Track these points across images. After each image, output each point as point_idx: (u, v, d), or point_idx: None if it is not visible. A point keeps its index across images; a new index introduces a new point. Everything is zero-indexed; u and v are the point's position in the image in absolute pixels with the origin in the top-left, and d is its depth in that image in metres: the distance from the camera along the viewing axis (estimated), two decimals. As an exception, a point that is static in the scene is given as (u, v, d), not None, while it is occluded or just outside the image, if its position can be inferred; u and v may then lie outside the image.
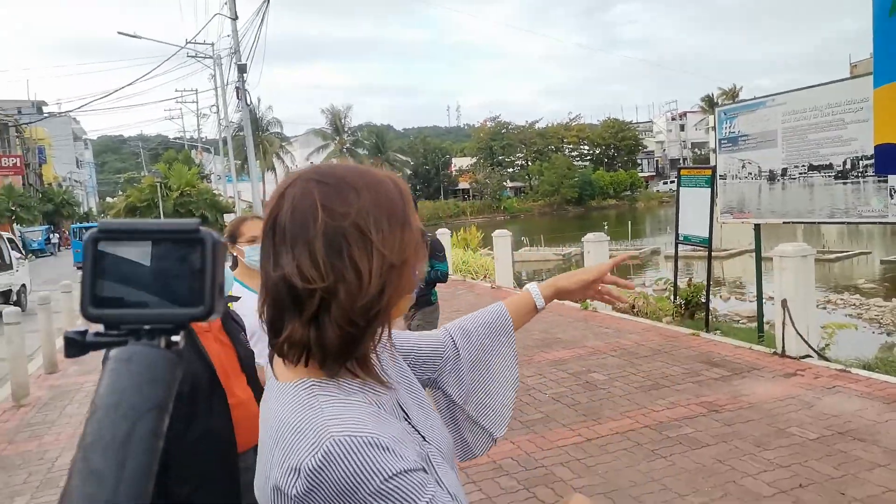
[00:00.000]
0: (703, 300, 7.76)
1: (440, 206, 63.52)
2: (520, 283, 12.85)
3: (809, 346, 5.75)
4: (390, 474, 0.71)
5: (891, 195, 5.36)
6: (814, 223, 6.17)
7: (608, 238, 9.77)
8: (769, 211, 6.56)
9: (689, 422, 4.53)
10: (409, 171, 71.14)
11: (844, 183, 5.75)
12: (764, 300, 7.07)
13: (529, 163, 74.31)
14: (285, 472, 0.73)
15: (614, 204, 66.68)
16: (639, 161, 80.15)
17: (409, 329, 4.52)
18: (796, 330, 5.73)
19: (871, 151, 5.48)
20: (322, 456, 0.71)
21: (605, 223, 41.21)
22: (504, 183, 70.51)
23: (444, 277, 4.70)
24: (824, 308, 11.87)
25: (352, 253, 0.78)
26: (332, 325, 0.77)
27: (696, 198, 7.49)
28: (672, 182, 76.14)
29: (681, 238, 7.90)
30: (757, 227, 6.86)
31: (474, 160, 72.38)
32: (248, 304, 2.17)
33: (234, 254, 2.84)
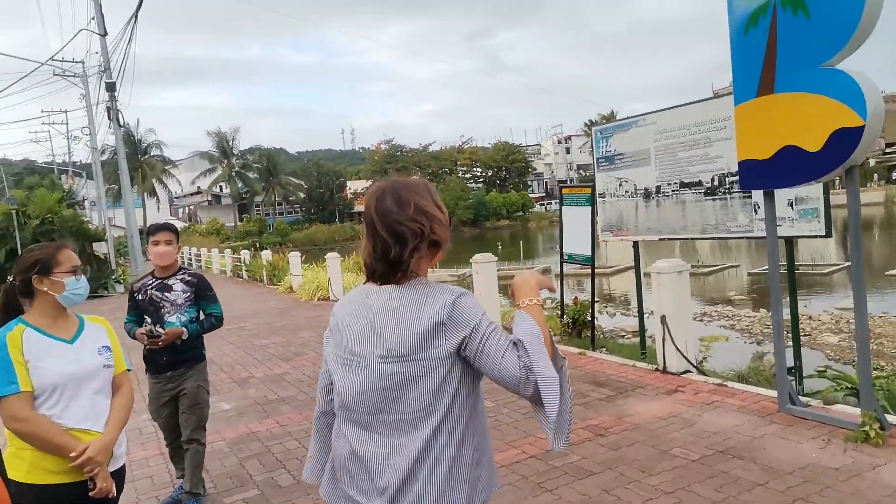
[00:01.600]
0: (589, 318, 7.78)
1: (336, 230, 62.39)
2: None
3: (689, 361, 5.81)
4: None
5: (755, 210, 5.53)
6: (687, 239, 6.30)
7: (496, 259, 9.73)
8: (646, 228, 6.66)
9: (576, 448, 4.35)
10: (302, 195, 69.54)
11: (713, 199, 5.91)
12: (646, 315, 7.17)
13: (424, 185, 74.63)
14: (441, 306, 1.50)
15: (508, 224, 68.32)
16: (529, 182, 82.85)
17: (183, 394, 3.85)
18: (676, 346, 5.77)
19: (736, 168, 5.66)
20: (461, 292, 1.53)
21: (500, 243, 42.04)
22: (400, 205, 70.28)
23: (219, 322, 3.96)
24: (701, 320, 12.43)
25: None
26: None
27: (578, 216, 7.53)
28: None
29: (565, 257, 7.91)
30: (636, 245, 6.95)
31: (369, 183, 71.95)
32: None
33: (44, 288, 2.28)
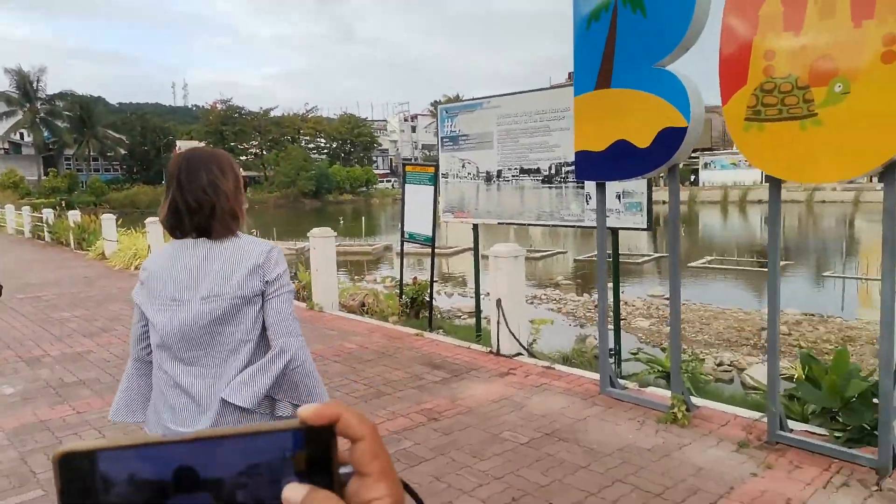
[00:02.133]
0: (428, 298, 7.76)
1: (161, 192, 57.13)
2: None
3: (521, 344, 5.97)
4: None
5: (587, 200, 5.77)
6: (523, 224, 6.46)
7: (335, 234, 9.35)
8: (486, 211, 6.72)
9: (409, 433, 4.25)
10: (123, 152, 63.20)
11: (550, 187, 6.08)
12: (483, 297, 7.29)
13: (264, 152, 71.51)
14: (259, 252, 1.80)
15: (350, 199, 67.39)
16: (374, 158, 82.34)
17: None
18: (509, 329, 5.89)
19: (572, 158, 5.85)
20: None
21: (342, 218, 41.34)
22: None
23: None
24: (531, 303, 13.06)
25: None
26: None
27: (421, 195, 7.43)
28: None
29: (406, 235, 7.80)
30: (475, 227, 7.01)
31: (202, 144, 67.07)
32: None
33: None
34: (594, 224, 5.74)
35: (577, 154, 4.68)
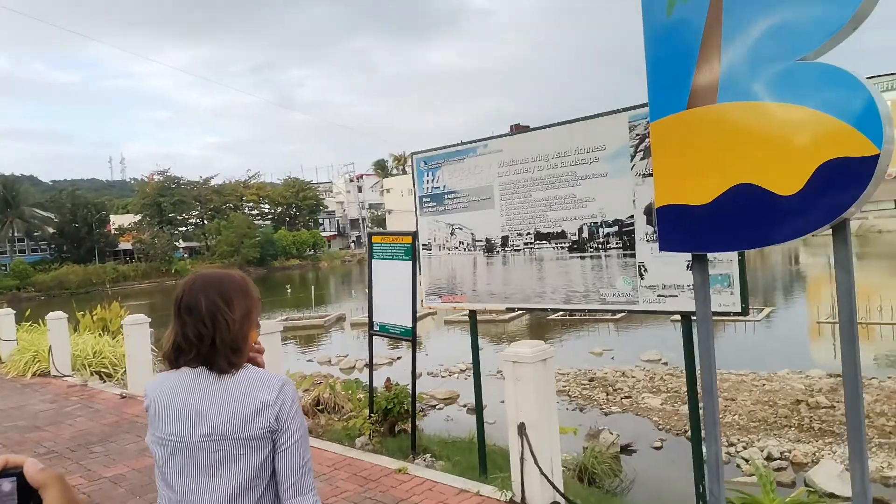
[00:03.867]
0: (408, 410, 5.84)
1: (94, 271, 53.81)
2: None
3: (556, 488, 4.09)
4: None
5: (640, 274, 4.06)
6: (546, 310, 4.67)
7: (149, 319, 8.54)
8: (488, 293, 4.93)
9: None
10: (51, 230, 59.23)
11: (582, 257, 4.36)
12: (484, 406, 5.43)
13: (206, 221, 68.67)
14: (269, 388, 1.60)
15: (298, 264, 64.94)
16: (321, 221, 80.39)
17: None
18: (539, 467, 4.03)
19: (614, 215, 4.16)
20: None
21: (289, 286, 38.89)
22: (176, 243, 63.48)
23: None
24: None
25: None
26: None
27: (395, 274, 5.60)
28: (355, 242, 77.79)
29: (376, 328, 5.91)
30: (472, 315, 5.20)
31: (139, 218, 63.89)
32: None
33: None
34: (653, 307, 4.03)
35: (661, 212, 2.97)
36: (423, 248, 5.36)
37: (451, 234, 5.12)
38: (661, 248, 3.02)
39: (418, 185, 5.35)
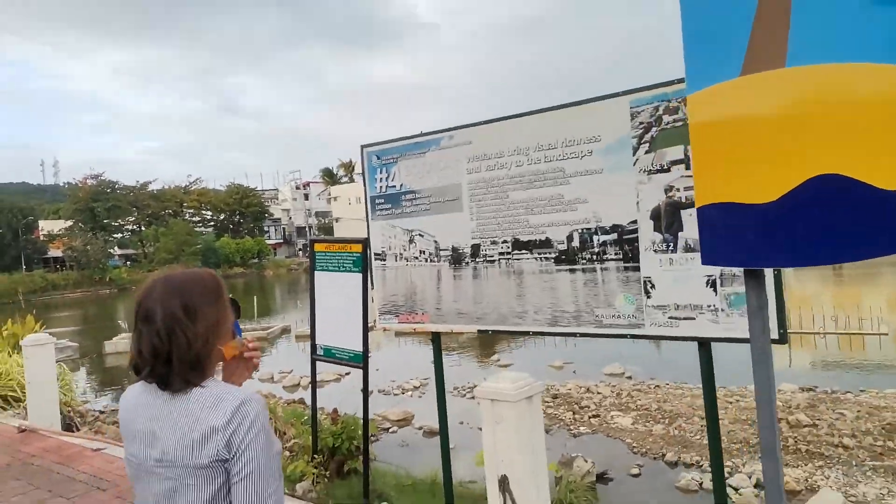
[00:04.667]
0: (358, 446, 4.95)
1: (20, 280, 50.52)
2: (70, 423, 8.31)
3: (548, 556, 3.29)
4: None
5: (646, 291, 3.32)
6: (527, 334, 3.87)
7: (54, 339, 7.63)
8: (455, 312, 4.11)
9: None
10: (-29, 237, 55.42)
11: (571, 270, 3.59)
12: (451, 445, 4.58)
13: (143, 228, 65.70)
14: (222, 412, 1.35)
15: (242, 272, 62.73)
16: (266, 228, 78.18)
17: None
18: (526, 531, 3.22)
19: (608, 220, 3.41)
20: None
21: (231, 295, 37.15)
22: (111, 250, 60.41)
23: None
24: (459, 393, 10.39)
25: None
26: None
27: (342, 288, 4.72)
28: (301, 251, 75.81)
29: (319, 351, 5.01)
30: (436, 337, 4.36)
31: (70, 224, 60.50)
32: None
33: None
34: (664, 331, 3.29)
35: (704, 214, 2.21)
36: (375, 258, 4.51)
37: (410, 241, 4.28)
38: (705, 262, 2.25)
39: (370, 183, 4.50)
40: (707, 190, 2.21)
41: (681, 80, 3.12)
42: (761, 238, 2.07)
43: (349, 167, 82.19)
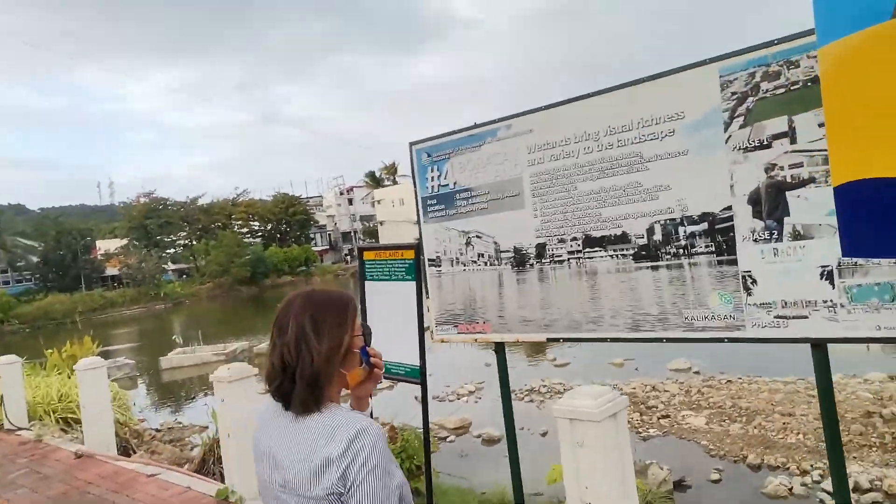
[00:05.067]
0: (419, 466, 4.62)
1: (80, 300, 52.23)
2: (126, 444, 8.26)
3: None
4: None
5: (746, 287, 2.88)
6: (604, 341, 3.45)
7: (105, 362, 7.34)
8: (521, 320, 3.73)
9: None
10: (35, 259, 57.66)
11: (654, 267, 3.17)
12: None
13: (194, 242, 67.29)
14: (340, 439, 1.30)
15: (290, 281, 63.57)
16: (312, 235, 79.09)
17: None
18: (622, 567, 2.82)
19: (697, 208, 2.97)
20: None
21: (279, 304, 37.49)
22: (164, 266, 62.04)
23: None
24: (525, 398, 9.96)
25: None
26: None
27: (394, 298, 4.40)
28: (348, 256, 76.51)
29: (374, 366, 4.71)
30: (500, 348, 3.99)
31: (125, 242, 62.40)
32: None
33: None
34: (770, 333, 2.84)
35: (844, 194, 1.78)
36: (429, 264, 4.17)
37: (467, 244, 3.93)
38: (847, 254, 1.82)
39: (420, 183, 4.16)
40: (847, 164, 1.78)
41: (783, 40, 2.67)
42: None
43: (392, 169, 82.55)
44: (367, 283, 4.63)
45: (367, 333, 1.55)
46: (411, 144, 4.19)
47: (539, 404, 10.14)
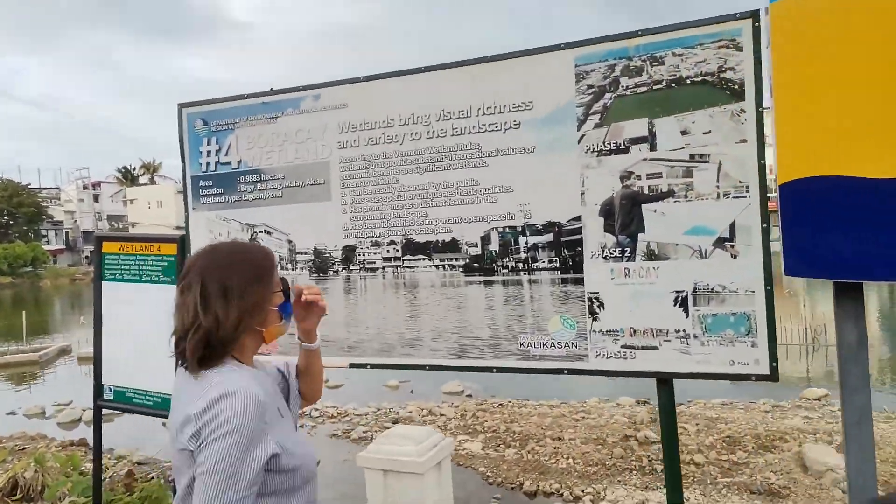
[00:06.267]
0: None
1: None
2: None
3: None
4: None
5: (592, 311, 2.49)
6: (422, 369, 2.84)
7: None
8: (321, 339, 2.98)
9: None
10: None
11: (487, 282, 2.66)
12: None
13: None
14: (199, 399, 1.28)
15: (10, 283, 53.56)
16: (43, 232, 67.97)
17: None
18: None
19: (542, 216, 2.54)
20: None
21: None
22: None
23: None
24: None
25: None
26: None
27: (146, 306, 3.34)
28: (88, 258, 66.91)
29: (108, 395, 3.53)
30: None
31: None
32: None
33: None
34: (614, 365, 2.48)
35: (786, 190, 1.39)
36: (198, 266, 3.21)
37: (252, 240, 3.07)
38: (789, 272, 1.43)
39: (192, 158, 3.19)
40: (799, 158, 1.40)
41: (647, 32, 2.35)
42: (881, 233, 1.29)
43: (151, 167, 74.76)
44: (105, 283, 3.50)
45: (285, 289, 1.47)
46: (181, 107, 3.20)
47: (310, 430, 9.26)
